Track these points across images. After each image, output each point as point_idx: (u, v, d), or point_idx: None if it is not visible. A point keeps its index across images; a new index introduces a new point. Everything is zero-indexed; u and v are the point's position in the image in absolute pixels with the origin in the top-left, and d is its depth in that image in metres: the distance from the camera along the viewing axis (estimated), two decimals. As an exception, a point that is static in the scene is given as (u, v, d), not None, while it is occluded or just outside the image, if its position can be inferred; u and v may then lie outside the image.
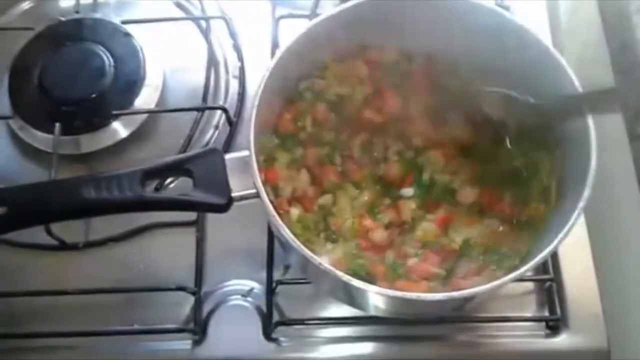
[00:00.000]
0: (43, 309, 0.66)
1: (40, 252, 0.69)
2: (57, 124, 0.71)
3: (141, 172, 0.54)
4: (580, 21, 0.84)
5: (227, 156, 0.56)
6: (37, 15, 0.82)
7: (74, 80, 0.74)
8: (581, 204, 0.51)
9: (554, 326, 0.64)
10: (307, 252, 0.52)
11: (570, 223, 0.50)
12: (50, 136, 0.71)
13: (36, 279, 0.68)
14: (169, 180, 0.68)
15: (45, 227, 0.66)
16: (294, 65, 0.62)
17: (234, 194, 0.55)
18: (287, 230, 0.53)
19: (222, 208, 0.54)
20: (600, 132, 0.54)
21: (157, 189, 0.66)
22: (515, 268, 0.53)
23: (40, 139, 0.73)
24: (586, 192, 0.51)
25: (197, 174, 0.55)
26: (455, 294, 0.49)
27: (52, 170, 0.69)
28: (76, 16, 0.79)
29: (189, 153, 0.57)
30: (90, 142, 0.72)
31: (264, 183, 0.54)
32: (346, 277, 0.50)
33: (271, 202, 0.54)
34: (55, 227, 0.67)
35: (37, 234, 0.66)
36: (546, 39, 0.60)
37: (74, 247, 0.69)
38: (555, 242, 0.50)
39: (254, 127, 0.56)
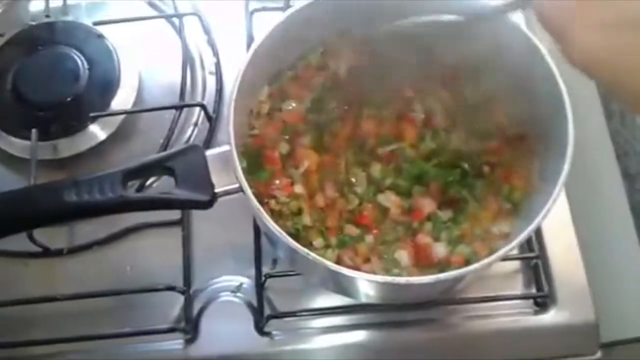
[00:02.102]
0: (32, 316, 0.66)
1: (24, 260, 0.69)
2: (34, 130, 0.70)
3: (122, 173, 0.53)
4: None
5: (208, 152, 0.56)
6: (6, 20, 0.80)
7: (49, 85, 0.73)
8: (562, 179, 0.52)
9: (542, 303, 0.65)
10: (294, 244, 0.52)
11: (552, 198, 0.51)
12: (27, 142, 0.70)
13: (22, 287, 0.67)
14: (151, 180, 0.68)
15: (27, 234, 0.65)
16: (271, 58, 0.62)
17: (217, 190, 0.55)
18: (272, 223, 0.53)
19: (206, 204, 0.54)
20: (576, 109, 0.54)
21: (138, 190, 0.65)
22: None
23: (17, 145, 0.72)
24: (566, 168, 0.51)
25: (179, 171, 0.54)
26: (443, 275, 0.49)
27: (31, 177, 0.68)
28: (47, 20, 0.77)
29: (170, 151, 0.56)
30: (68, 147, 0.72)
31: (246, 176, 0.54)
32: (335, 267, 0.50)
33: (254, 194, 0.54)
34: (38, 233, 0.66)
35: (20, 242, 0.65)
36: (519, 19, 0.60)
37: (58, 253, 0.68)
38: (540, 217, 0.51)
39: (233, 122, 0.56)
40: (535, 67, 0.57)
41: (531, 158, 0.60)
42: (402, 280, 0.50)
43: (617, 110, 0.73)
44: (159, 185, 0.68)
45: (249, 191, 0.53)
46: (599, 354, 0.64)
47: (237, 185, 0.54)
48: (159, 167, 0.55)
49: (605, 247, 0.70)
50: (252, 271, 0.66)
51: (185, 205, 0.59)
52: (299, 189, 0.61)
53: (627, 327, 0.69)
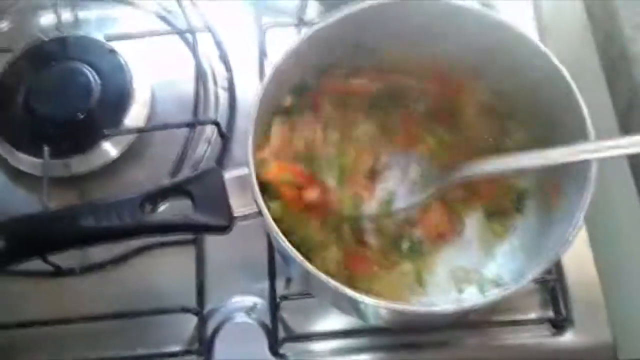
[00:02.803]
0: (44, 338, 0.65)
1: (36, 279, 0.68)
2: (46, 147, 0.70)
3: (140, 197, 0.53)
4: (564, 14, 0.84)
5: (226, 175, 0.55)
6: (17, 35, 0.79)
7: (60, 101, 0.72)
8: (584, 206, 0.51)
9: (559, 325, 0.64)
10: (312, 269, 0.51)
11: (574, 228, 0.50)
12: (39, 160, 0.70)
13: (34, 308, 0.66)
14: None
15: (40, 254, 0.64)
16: (288, 77, 0.61)
17: (235, 214, 0.54)
18: (290, 247, 0.52)
19: (224, 230, 0.54)
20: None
21: (153, 210, 0.64)
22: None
23: (28, 163, 0.71)
24: (587, 198, 0.51)
25: (197, 195, 0.54)
26: (466, 305, 0.49)
27: (43, 195, 0.67)
28: (58, 34, 0.76)
29: (188, 175, 0.56)
30: (80, 164, 0.71)
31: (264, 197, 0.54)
32: (353, 294, 0.50)
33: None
34: (50, 252, 0.65)
35: (31, 261, 0.64)
36: (532, 33, 0.60)
37: (70, 272, 0.68)
38: (563, 246, 0.50)
39: (252, 145, 0.55)
40: (555, 89, 0.56)
41: None
42: (422, 309, 0.49)
43: (634, 126, 0.73)
44: (173, 204, 0.67)
45: (268, 215, 0.53)
46: (617, 375, 0.63)
47: (256, 209, 0.54)
48: (177, 190, 0.54)
49: (623, 267, 0.69)
50: (266, 290, 0.65)
51: (204, 231, 0.59)
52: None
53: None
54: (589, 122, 0.52)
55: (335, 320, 0.65)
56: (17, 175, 0.72)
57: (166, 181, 0.55)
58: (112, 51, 0.75)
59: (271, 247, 0.66)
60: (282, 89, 0.62)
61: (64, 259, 0.67)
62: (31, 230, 0.52)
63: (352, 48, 0.63)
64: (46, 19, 0.81)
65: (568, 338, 0.64)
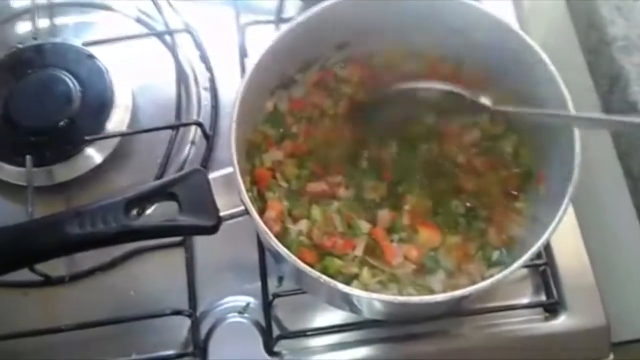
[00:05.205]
0: (37, 348, 0.64)
1: (25, 289, 0.67)
2: (28, 157, 0.69)
3: (124, 202, 0.52)
4: (544, 2, 0.84)
5: (211, 175, 0.55)
6: (-5, 45, 0.79)
7: (41, 109, 0.71)
8: (570, 190, 0.51)
9: (552, 309, 0.64)
10: (304, 266, 0.51)
11: (561, 210, 0.50)
12: (22, 169, 0.69)
13: (25, 318, 0.66)
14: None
15: (27, 265, 0.64)
16: (270, 73, 0.61)
17: (222, 214, 0.54)
18: (280, 245, 0.52)
19: (212, 230, 0.53)
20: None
21: (139, 214, 0.64)
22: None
23: (11, 173, 0.70)
24: (574, 177, 0.51)
25: (182, 197, 0.53)
26: (457, 293, 0.49)
27: (28, 204, 0.66)
28: (35, 42, 0.76)
29: (172, 176, 0.55)
30: (64, 172, 0.70)
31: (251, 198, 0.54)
32: (347, 288, 0.50)
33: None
34: (38, 262, 0.65)
35: (19, 271, 0.63)
36: (512, 22, 0.60)
37: (60, 281, 0.67)
38: (550, 229, 0.50)
39: (235, 143, 0.55)
40: (537, 72, 0.56)
41: None
42: (416, 299, 0.49)
43: (618, 109, 0.73)
44: (160, 207, 0.66)
45: (255, 214, 0.53)
46: (611, 357, 0.63)
47: (242, 208, 0.53)
48: (162, 193, 0.54)
49: (612, 249, 0.69)
50: (258, 289, 0.65)
51: (191, 232, 0.59)
52: None
53: (638, 327, 0.68)
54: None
55: (329, 316, 0.65)
56: (0, 185, 0.71)
57: (149, 184, 0.54)
58: (91, 56, 0.74)
59: (261, 245, 0.66)
60: (265, 86, 0.62)
61: (53, 267, 0.66)
62: (16, 241, 0.51)
63: (336, 44, 0.63)
64: (23, 27, 0.80)
65: (561, 321, 0.64)
